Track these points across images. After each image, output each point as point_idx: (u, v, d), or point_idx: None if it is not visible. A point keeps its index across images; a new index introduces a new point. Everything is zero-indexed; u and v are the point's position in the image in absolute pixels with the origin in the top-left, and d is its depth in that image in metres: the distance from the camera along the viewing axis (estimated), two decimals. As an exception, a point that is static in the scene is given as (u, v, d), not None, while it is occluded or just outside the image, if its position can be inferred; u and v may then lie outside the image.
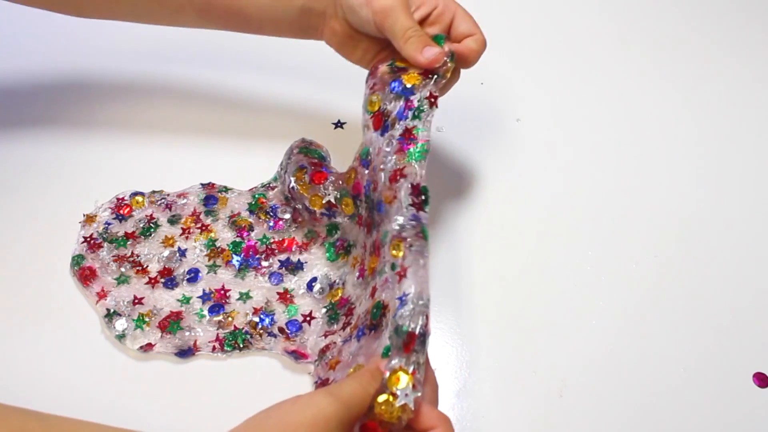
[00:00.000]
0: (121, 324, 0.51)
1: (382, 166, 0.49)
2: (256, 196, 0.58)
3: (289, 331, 0.51)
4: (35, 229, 0.57)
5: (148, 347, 0.50)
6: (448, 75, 0.49)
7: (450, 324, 0.52)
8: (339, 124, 0.64)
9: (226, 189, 0.59)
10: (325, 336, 0.50)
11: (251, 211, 0.57)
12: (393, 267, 0.44)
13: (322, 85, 0.67)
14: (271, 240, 0.55)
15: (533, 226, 0.58)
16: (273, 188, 0.58)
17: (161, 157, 0.62)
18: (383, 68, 0.51)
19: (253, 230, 0.56)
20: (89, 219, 0.56)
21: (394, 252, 0.44)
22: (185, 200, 0.58)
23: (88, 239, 0.55)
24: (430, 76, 0.49)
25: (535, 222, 0.58)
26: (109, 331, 0.51)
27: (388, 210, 0.47)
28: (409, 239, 0.44)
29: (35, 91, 0.67)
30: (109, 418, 0.47)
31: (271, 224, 0.56)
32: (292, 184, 0.55)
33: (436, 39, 0.50)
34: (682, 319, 0.53)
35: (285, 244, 0.55)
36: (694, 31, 0.74)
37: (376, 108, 0.50)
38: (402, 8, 0.48)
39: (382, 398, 0.38)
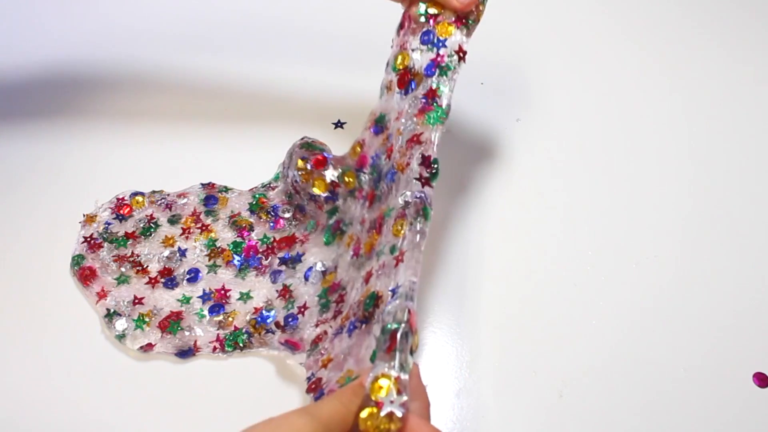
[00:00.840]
0: (121, 324, 0.51)
1: (400, 128, 0.46)
2: (257, 195, 0.58)
3: (285, 325, 0.50)
4: (35, 229, 0.57)
5: (148, 347, 0.50)
6: (481, 18, 0.48)
7: (450, 324, 0.52)
8: (339, 124, 0.64)
9: (227, 189, 0.59)
10: (317, 325, 0.49)
11: (252, 211, 0.57)
12: (393, 250, 0.42)
13: (322, 85, 0.67)
14: (272, 239, 0.55)
15: (533, 226, 0.58)
16: (274, 188, 0.58)
17: (161, 157, 0.62)
18: (414, 15, 0.48)
19: (253, 230, 0.56)
20: (89, 219, 0.56)
21: (395, 231, 0.42)
22: (185, 200, 0.58)
23: (88, 239, 0.55)
24: (462, 22, 0.47)
25: (535, 222, 0.58)
26: (109, 331, 0.51)
27: (399, 179, 0.45)
28: (410, 217, 0.42)
29: (34, 91, 0.67)
30: (109, 418, 0.47)
31: (272, 224, 0.56)
32: (296, 177, 0.55)
33: None
34: (682, 319, 0.53)
35: (286, 242, 0.55)
36: (696, 32, 0.74)
37: (404, 65, 0.48)
38: None
39: (365, 413, 0.34)
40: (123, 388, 0.48)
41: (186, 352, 0.50)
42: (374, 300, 0.41)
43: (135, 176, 0.60)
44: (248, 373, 0.49)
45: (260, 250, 0.55)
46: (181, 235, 0.56)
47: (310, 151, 0.56)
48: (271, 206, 0.57)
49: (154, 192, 0.58)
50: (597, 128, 0.65)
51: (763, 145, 0.64)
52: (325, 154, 0.55)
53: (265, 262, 0.54)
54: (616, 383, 0.49)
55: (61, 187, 0.59)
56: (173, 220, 0.56)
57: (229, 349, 0.50)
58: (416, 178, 0.43)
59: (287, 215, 0.56)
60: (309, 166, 0.54)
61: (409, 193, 0.43)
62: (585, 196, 0.60)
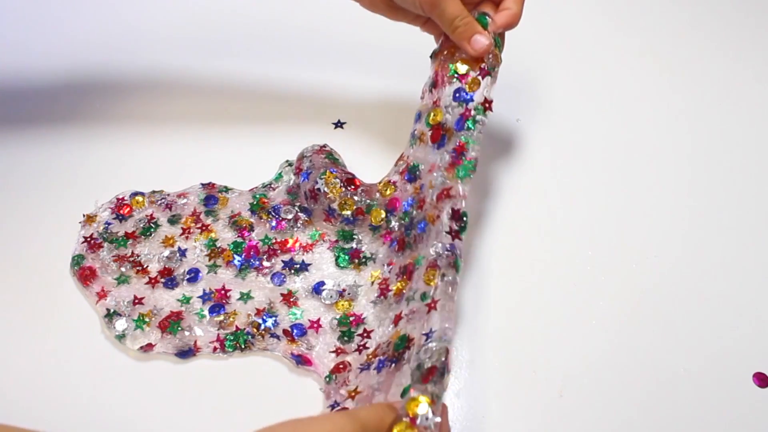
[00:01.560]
0: (121, 324, 0.51)
1: (432, 181, 0.49)
2: (258, 196, 0.58)
3: (293, 334, 0.50)
4: (35, 229, 0.57)
5: (148, 347, 0.50)
6: (499, 62, 0.50)
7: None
8: (339, 124, 0.64)
9: (227, 189, 0.59)
10: (337, 353, 0.49)
11: (253, 211, 0.57)
12: (424, 297, 0.44)
13: (322, 85, 0.67)
14: (273, 240, 0.55)
15: (533, 226, 0.58)
16: (275, 188, 0.58)
17: (161, 157, 0.62)
18: (447, 76, 0.51)
19: (253, 230, 0.56)
20: (89, 219, 0.56)
21: (427, 280, 0.45)
22: (185, 200, 0.58)
23: (88, 239, 0.55)
24: (487, 72, 0.50)
25: (535, 222, 0.58)
26: (109, 331, 0.51)
27: (429, 230, 0.48)
28: (442, 269, 0.44)
29: (35, 91, 0.67)
30: (109, 418, 0.47)
31: (273, 224, 0.56)
32: (320, 185, 0.55)
33: (480, 19, 0.50)
34: (682, 318, 0.53)
35: (288, 245, 0.55)
36: (697, 32, 0.74)
37: (438, 120, 0.51)
38: None
39: (400, 425, 0.37)
40: (123, 388, 0.48)
41: (186, 353, 0.50)
42: (405, 342, 0.44)
43: (135, 176, 0.60)
44: (249, 373, 0.49)
45: (261, 251, 0.55)
46: (181, 235, 0.56)
47: (342, 171, 0.56)
48: (272, 207, 0.57)
49: (154, 192, 0.58)
50: (597, 128, 0.65)
51: (763, 146, 0.64)
52: (357, 178, 0.55)
53: (266, 263, 0.54)
54: (615, 383, 0.49)
55: (61, 187, 0.59)
56: (173, 220, 0.56)
57: (230, 350, 0.50)
58: (447, 231, 0.46)
59: (289, 216, 0.56)
60: (339, 183, 0.54)
61: (440, 245, 0.46)
62: (585, 195, 0.60)
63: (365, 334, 0.50)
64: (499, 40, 0.51)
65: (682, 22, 0.75)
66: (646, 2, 0.77)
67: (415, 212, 0.51)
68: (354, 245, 0.55)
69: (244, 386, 0.49)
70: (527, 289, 0.54)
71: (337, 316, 0.51)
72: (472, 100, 0.49)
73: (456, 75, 0.50)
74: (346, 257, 0.54)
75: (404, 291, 0.49)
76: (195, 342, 0.50)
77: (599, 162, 0.62)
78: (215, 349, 0.50)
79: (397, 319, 0.47)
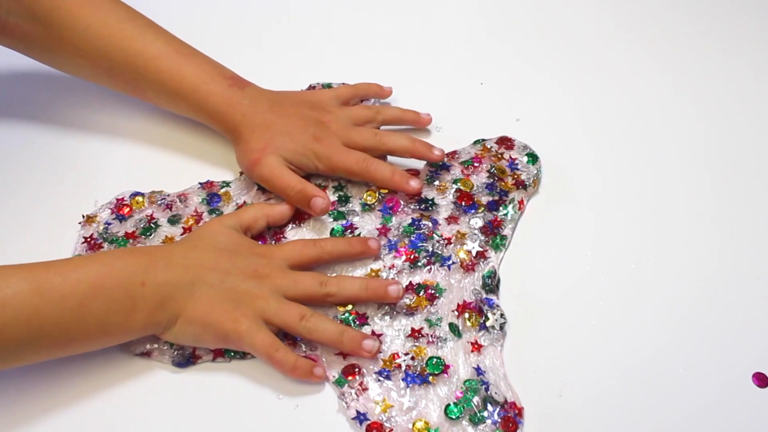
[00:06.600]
0: (121, 324, 0.50)
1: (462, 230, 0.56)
2: None
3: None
4: (35, 229, 0.57)
5: (147, 353, 0.49)
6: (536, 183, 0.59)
7: (450, 324, 0.52)
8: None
9: (227, 183, 0.59)
10: (344, 356, 0.49)
11: (263, 190, 0.57)
12: (454, 329, 0.50)
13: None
14: None
15: (532, 225, 0.58)
16: None
17: (161, 157, 0.62)
18: (483, 163, 0.60)
19: None
20: (89, 219, 0.56)
21: (468, 320, 0.50)
22: (186, 200, 0.57)
23: (88, 239, 0.55)
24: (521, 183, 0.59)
25: (534, 222, 0.58)
26: (109, 332, 0.50)
27: (458, 271, 0.53)
28: (485, 317, 0.50)
29: (33, 90, 0.67)
30: (109, 420, 0.47)
31: None
32: None
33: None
34: (682, 318, 0.53)
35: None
36: (696, 31, 0.74)
37: (468, 188, 0.58)
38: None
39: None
40: (122, 391, 0.48)
41: (184, 363, 0.49)
42: (441, 366, 0.48)
43: (135, 176, 0.60)
44: (250, 376, 0.49)
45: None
46: (181, 235, 0.56)
47: None
48: None
49: (154, 192, 0.58)
50: (596, 128, 0.65)
51: (762, 146, 0.64)
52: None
53: None
54: (615, 383, 0.49)
55: (61, 187, 0.59)
56: (173, 220, 0.56)
57: (230, 355, 0.49)
58: (481, 287, 0.52)
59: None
60: None
61: (482, 292, 0.52)
62: (584, 195, 0.60)
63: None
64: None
65: (684, 22, 0.75)
66: (646, 1, 0.77)
67: (435, 243, 0.54)
68: (347, 210, 0.56)
69: (245, 389, 0.49)
70: (526, 289, 0.54)
71: (339, 315, 0.51)
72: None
73: (494, 171, 0.58)
74: (340, 228, 0.55)
75: (420, 308, 0.51)
76: (194, 350, 0.49)
77: (599, 161, 0.62)
78: (215, 356, 0.50)
79: (416, 335, 0.50)
